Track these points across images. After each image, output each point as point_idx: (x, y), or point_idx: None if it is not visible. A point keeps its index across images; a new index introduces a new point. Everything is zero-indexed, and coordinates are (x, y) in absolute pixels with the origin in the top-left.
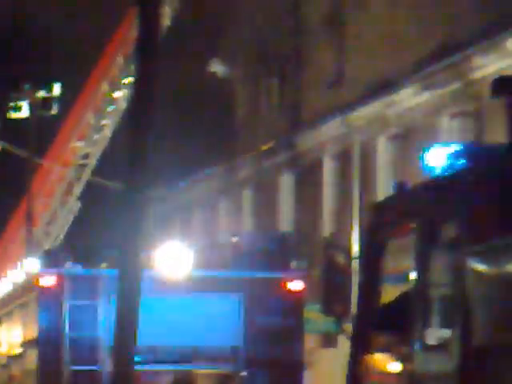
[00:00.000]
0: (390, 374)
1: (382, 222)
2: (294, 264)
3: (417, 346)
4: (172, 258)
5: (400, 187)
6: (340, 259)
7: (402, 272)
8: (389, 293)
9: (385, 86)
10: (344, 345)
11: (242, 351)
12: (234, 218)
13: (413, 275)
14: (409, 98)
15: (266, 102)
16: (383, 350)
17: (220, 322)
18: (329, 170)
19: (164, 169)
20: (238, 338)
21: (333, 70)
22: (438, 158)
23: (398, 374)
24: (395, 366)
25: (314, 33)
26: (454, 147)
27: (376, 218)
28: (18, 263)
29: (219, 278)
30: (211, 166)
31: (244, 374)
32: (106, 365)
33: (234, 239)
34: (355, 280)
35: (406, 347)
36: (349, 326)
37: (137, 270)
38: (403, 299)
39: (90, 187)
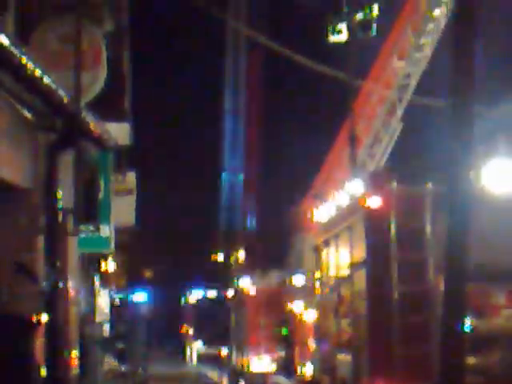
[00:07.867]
0: None
1: None
2: None
3: None
4: (500, 175)
5: None
6: None
7: None
8: None
9: None
10: None
11: None
12: None
13: None
14: None
15: None
16: None
17: None
18: None
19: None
20: None
21: None
22: None
23: None
24: None
25: None
26: None
27: None
28: (343, 186)
29: None
30: None
31: None
32: (434, 285)
33: None
34: None
35: None
36: None
37: (468, 186)
38: None
39: (411, 107)
